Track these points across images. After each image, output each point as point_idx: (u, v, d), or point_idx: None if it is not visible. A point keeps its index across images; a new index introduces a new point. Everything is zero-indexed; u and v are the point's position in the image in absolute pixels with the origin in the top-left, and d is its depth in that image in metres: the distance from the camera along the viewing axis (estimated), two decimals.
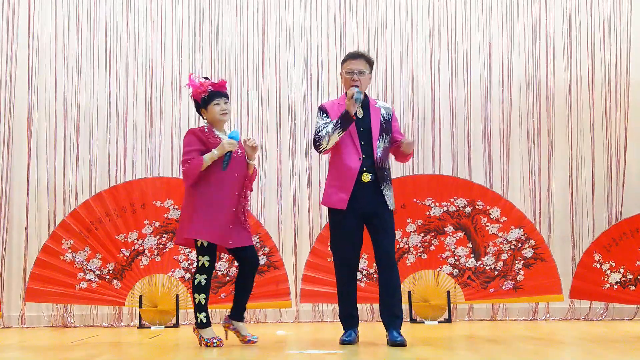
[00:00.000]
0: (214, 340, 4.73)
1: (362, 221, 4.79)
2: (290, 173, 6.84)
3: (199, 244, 4.75)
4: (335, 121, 4.73)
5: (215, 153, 4.71)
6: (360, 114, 4.81)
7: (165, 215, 6.39)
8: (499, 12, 7.01)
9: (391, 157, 5.02)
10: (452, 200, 6.44)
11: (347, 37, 6.98)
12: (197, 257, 4.77)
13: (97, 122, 6.84)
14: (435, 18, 7.01)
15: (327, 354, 4.35)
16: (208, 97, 4.85)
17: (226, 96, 4.92)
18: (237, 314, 4.91)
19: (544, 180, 6.88)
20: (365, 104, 4.87)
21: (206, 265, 4.74)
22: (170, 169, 6.80)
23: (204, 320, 4.77)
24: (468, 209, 6.43)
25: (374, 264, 5.10)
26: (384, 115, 4.89)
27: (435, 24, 7.00)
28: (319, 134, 4.77)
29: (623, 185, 6.83)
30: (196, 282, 4.75)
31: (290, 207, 6.83)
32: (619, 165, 6.84)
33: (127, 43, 6.92)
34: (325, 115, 4.84)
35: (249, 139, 4.90)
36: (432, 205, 6.42)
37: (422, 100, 6.91)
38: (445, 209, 6.44)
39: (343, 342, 4.75)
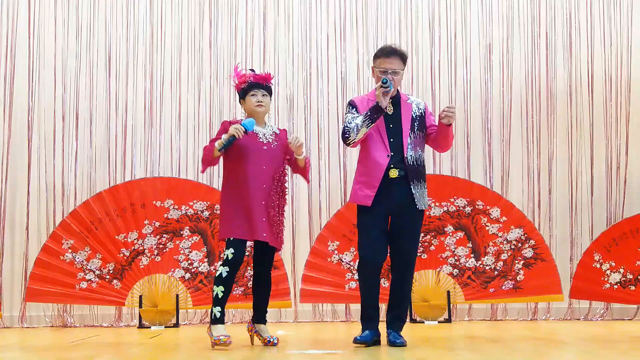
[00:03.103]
0: (221, 338, 4.57)
1: (389, 218, 4.66)
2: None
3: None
4: (365, 113, 4.62)
5: (224, 137, 4.64)
6: (390, 110, 4.72)
7: (165, 215, 6.39)
8: (499, 12, 7.01)
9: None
10: (452, 200, 6.44)
11: (347, 37, 6.98)
12: (224, 250, 4.66)
13: (97, 122, 6.84)
14: (435, 18, 7.01)
15: (327, 354, 4.35)
16: (247, 87, 4.79)
17: (266, 89, 4.82)
18: (256, 316, 4.85)
19: (543, 180, 6.87)
20: (397, 100, 4.76)
21: (229, 258, 4.60)
22: (170, 169, 6.80)
23: (217, 316, 4.60)
24: (468, 209, 6.43)
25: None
26: (416, 111, 4.76)
27: (435, 24, 7.00)
28: (348, 127, 4.66)
29: (623, 186, 6.83)
30: (217, 273, 4.62)
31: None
32: (619, 165, 6.84)
33: (127, 43, 6.92)
34: (354, 109, 4.75)
35: (294, 138, 4.80)
36: (432, 205, 6.42)
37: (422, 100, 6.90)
38: (445, 209, 6.44)
39: (354, 340, 4.63)
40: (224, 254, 4.64)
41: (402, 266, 4.70)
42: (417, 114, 4.77)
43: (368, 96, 4.84)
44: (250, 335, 4.90)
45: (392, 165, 4.63)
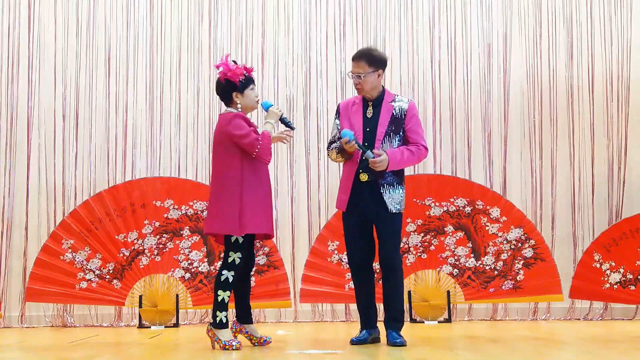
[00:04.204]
0: (233, 343, 4.54)
1: (367, 221, 4.74)
2: (287, 173, 6.84)
3: (233, 239, 4.58)
4: (338, 148, 4.71)
5: (272, 123, 4.69)
6: (370, 114, 4.75)
7: (165, 215, 6.39)
8: (498, 12, 7.01)
9: None
10: (452, 200, 6.44)
11: (347, 37, 6.98)
12: (228, 253, 4.58)
13: (97, 122, 6.84)
14: (435, 18, 7.00)
15: (327, 354, 4.35)
16: (245, 81, 4.69)
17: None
18: (246, 317, 4.81)
19: (544, 181, 6.87)
20: (379, 101, 4.76)
21: (236, 262, 4.56)
22: (170, 169, 6.79)
23: (224, 321, 4.57)
24: (468, 209, 6.43)
25: None
26: (396, 113, 4.73)
27: (435, 24, 7.00)
28: (330, 147, 4.82)
29: (623, 185, 6.82)
30: (223, 278, 4.55)
31: (288, 207, 6.82)
32: (619, 165, 6.84)
33: (127, 43, 6.91)
34: (337, 116, 4.86)
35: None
36: (432, 205, 6.42)
37: (422, 100, 6.90)
38: (445, 208, 6.44)
39: (351, 341, 4.73)
40: (230, 258, 4.58)
41: (384, 268, 4.75)
42: (398, 116, 4.74)
43: (354, 99, 4.89)
44: (235, 335, 4.80)
45: (360, 170, 4.69)
